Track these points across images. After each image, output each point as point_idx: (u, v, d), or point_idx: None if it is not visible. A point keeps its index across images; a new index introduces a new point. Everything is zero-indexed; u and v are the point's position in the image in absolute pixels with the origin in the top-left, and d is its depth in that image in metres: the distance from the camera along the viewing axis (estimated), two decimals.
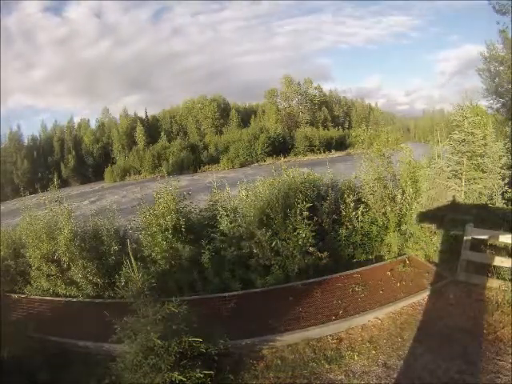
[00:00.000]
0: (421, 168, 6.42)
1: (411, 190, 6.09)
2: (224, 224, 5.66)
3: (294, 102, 57.94)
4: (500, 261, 4.52)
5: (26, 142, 51.06)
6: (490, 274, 4.66)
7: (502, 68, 13.56)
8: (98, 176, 48.81)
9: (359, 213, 5.90)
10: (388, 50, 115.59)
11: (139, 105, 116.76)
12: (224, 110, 57.07)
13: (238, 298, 4.94)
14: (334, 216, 5.97)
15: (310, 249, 5.34)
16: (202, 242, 5.36)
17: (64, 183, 43.80)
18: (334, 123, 59.97)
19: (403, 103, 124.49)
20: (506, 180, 5.78)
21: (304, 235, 5.29)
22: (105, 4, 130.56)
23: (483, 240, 4.85)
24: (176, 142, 50.00)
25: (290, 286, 5.12)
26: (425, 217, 5.88)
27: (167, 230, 5.48)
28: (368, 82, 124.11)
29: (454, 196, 5.70)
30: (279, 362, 3.68)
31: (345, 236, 5.83)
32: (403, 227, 5.93)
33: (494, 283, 4.53)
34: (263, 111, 57.17)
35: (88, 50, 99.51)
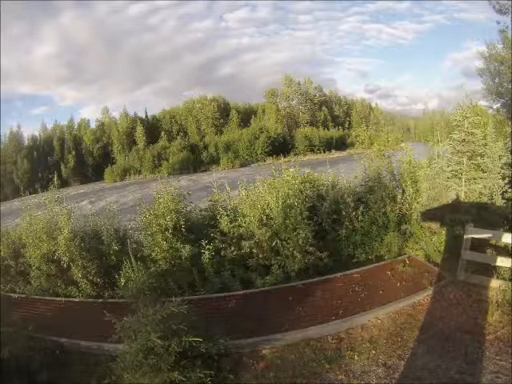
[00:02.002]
0: (421, 168, 6.43)
1: (411, 189, 6.09)
2: (224, 224, 5.67)
3: (294, 102, 57.95)
4: (500, 261, 4.52)
5: (26, 142, 51.19)
6: (489, 274, 4.66)
7: (502, 68, 13.54)
8: (98, 176, 48.89)
9: (359, 213, 5.90)
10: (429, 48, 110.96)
11: (150, 98, 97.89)
12: (224, 110, 57.08)
13: (238, 298, 4.94)
14: (334, 216, 5.97)
15: (310, 249, 5.34)
16: (202, 241, 5.36)
17: (64, 183, 43.85)
18: (334, 123, 59.96)
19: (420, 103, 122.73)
20: (506, 180, 5.79)
21: (304, 235, 5.29)
22: None
23: (483, 240, 4.85)
24: (176, 142, 50.06)
25: (290, 286, 5.12)
26: (425, 217, 5.89)
27: (167, 229, 5.48)
28: (397, 80, 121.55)
29: (457, 195, 5.71)
30: (279, 361, 3.68)
31: (345, 236, 5.83)
32: (403, 227, 5.93)
33: (494, 283, 4.53)
34: (263, 111, 57.16)
35: (112, 16, 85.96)
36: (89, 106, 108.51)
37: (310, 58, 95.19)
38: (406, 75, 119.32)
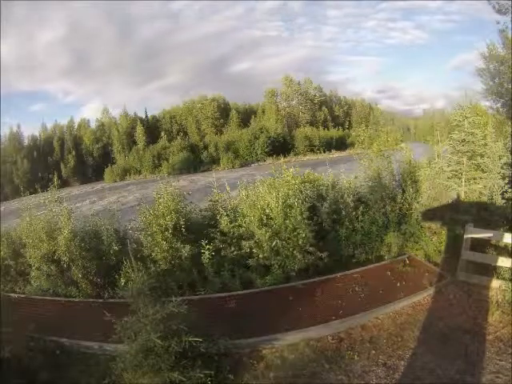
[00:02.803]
0: (421, 168, 6.43)
1: (411, 189, 6.09)
2: (224, 224, 5.67)
3: (294, 102, 57.89)
4: (500, 261, 4.52)
5: (26, 141, 51.18)
6: (489, 274, 4.66)
7: (502, 68, 13.53)
8: (98, 176, 48.86)
9: (359, 213, 5.90)
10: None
11: (156, 95, 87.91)
12: (224, 110, 57.04)
13: (238, 297, 4.93)
14: (334, 216, 5.97)
15: (310, 249, 5.34)
16: (202, 241, 5.36)
17: (64, 183, 43.84)
18: (334, 123, 59.92)
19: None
20: (506, 180, 5.79)
21: (304, 235, 5.29)
22: None
23: (483, 240, 4.85)
24: (176, 142, 50.03)
25: (290, 286, 5.12)
26: (425, 217, 5.89)
27: (167, 229, 5.48)
28: (409, 81, 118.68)
29: (457, 195, 5.71)
30: (279, 361, 3.68)
31: (345, 236, 5.83)
32: (403, 227, 5.93)
33: (494, 283, 4.53)
34: (263, 111, 57.12)
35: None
36: (91, 104, 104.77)
37: (330, 56, 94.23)
38: (417, 75, 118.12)
